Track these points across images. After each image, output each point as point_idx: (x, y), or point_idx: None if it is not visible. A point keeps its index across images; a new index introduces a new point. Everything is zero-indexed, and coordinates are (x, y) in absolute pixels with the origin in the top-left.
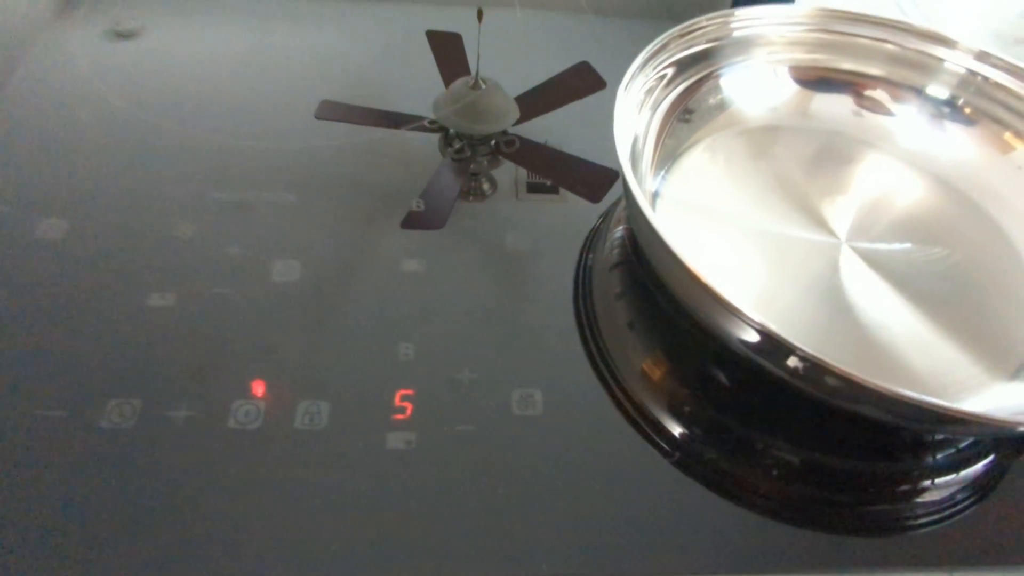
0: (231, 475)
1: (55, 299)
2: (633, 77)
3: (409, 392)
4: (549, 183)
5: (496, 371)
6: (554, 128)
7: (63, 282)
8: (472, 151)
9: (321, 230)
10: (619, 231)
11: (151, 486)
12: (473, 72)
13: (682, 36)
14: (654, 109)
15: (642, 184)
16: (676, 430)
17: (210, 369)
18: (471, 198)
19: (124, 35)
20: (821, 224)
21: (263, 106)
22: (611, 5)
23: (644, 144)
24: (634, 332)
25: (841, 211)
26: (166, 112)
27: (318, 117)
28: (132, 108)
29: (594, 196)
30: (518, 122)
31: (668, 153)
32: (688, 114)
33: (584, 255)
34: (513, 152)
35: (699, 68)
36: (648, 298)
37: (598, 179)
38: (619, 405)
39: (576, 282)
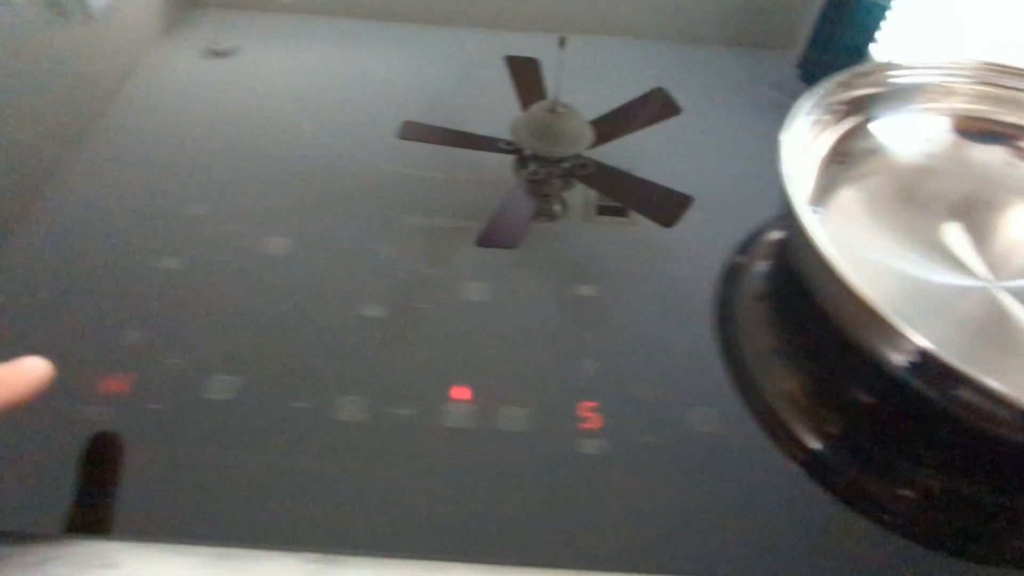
0: (448, 466)
1: (281, 307)
2: (795, 121)
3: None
4: (621, 206)
5: (646, 389)
6: (628, 152)
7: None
8: (546, 173)
9: (391, 245)
10: (763, 265)
11: (382, 471)
12: (551, 96)
13: (842, 83)
14: (808, 150)
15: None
16: (822, 450)
17: (422, 372)
18: (542, 219)
19: (220, 54)
20: (969, 267)
21: (347, 125)
22: (687, 32)
23: (799, 182)
24: (782, 358)
25: (990, 255)
26: (255, 127)
27: (401, 137)
28: (224, 122)
29: (667, 221)
30: (593, 146)
31: (821, 192)
32: (842, 156)
33: (725, 287)
34: (587, 175)
35: (857, 114)
36: (798, 327)
37: (672, 204)
38: (765, 426)
39: (717, 312)
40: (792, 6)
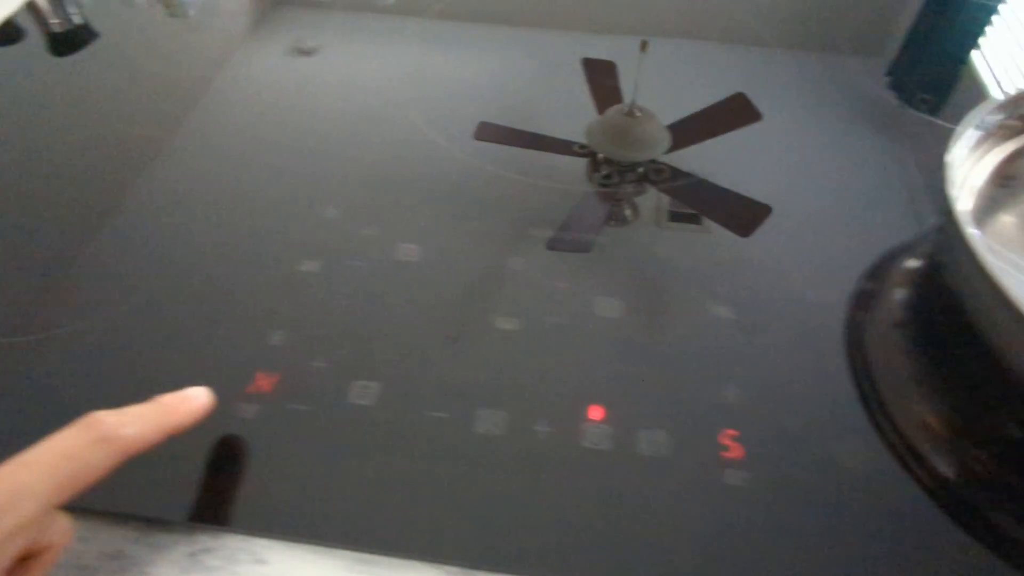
0: (586, 487)
1: (415, 315)
2: (961, 140)
3: (735, 432)
4: (694, 213)
5: (786, 417)
6: (704, 158)
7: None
8: (620, 177)
9: (470, 247)
10: (901, 292)
11: (519, 488)
12: (628, 100)
13: (1012, 103)
14: (971, 172)
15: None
16: (966, 488)
17: (558, 389)
18: (611, 223)
19: (305, 52)
20: None
21: (423, 124)
22: (770, 36)
23: (961, 204)
24: (923, 388)
25: None
26: (336, 123)
27: (476, 138)
28: (310, 119)
29: (745, 231)
30: (669, 151)
31: (977, 215)
32: (1008, 180)
33: (856, 313)
34: (662, 181)
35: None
36: (949, 356)
37: (749, 213)
38: (906, 460)
39: (847, 338)
40: (882, 9)
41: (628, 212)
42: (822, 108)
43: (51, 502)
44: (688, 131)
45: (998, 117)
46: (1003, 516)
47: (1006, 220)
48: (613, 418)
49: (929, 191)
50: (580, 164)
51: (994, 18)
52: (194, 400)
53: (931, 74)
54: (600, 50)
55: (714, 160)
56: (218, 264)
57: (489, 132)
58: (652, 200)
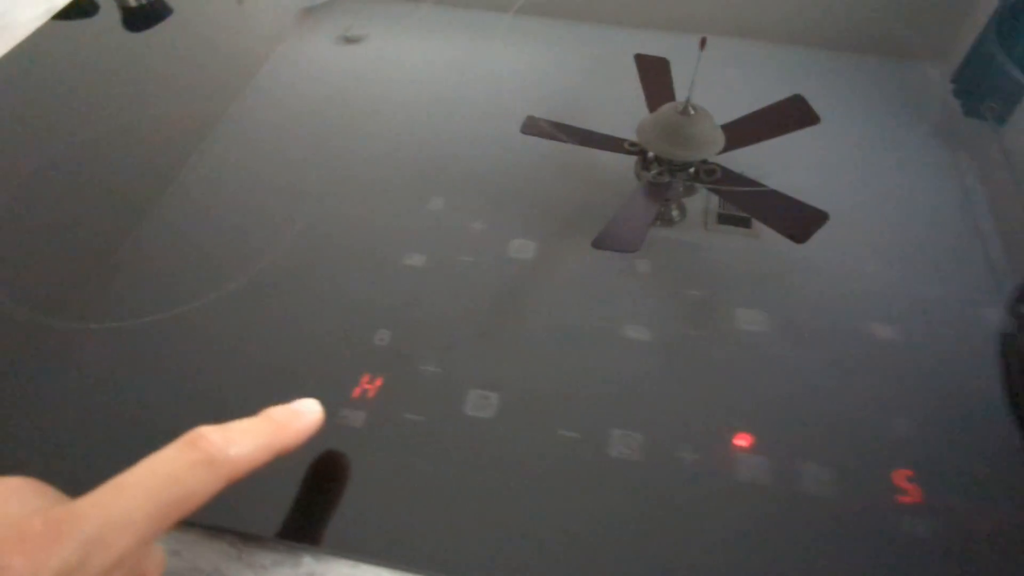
0: (739, 524)
1: (533, 319)
2: None
3: (909, 473)
4: (744, 216)
5: (963, 458)
6: (758, 160)
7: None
8: (670, 177)
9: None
10: None
11: (660, 524)
12: (684, 98)
13: None
14: None
15: None
16: None
17: (699, 411)
18: (658, 223)
19: (352, 40)
20: None
21: (469, 115)
22: (830, 38)
23: None
24: None
25: None
26: (382, 112)
27: (523, 132)
28: (350, 105)
29: (799, 237)
30: (722, 151)
31: None
32: None
33: (1016, 337)
34: (713, 181)
35: None
36: None
37: (806, 220)
38: None
39: (1008, 366)
40: (950, 14)
41: (676, 212)
42: (883, 113)
43: (150, 533)
44: (743, 132)
45: None
46: None
47: None
48: (764, 447)
49: (993, 205)
50: (629, 162)
51: None
52: (306, 415)
53: (1000, 84)
54: (652, 46)
55: (768, 163)
56: (353, 258)
57: (536, 126)
58: (701, 201)
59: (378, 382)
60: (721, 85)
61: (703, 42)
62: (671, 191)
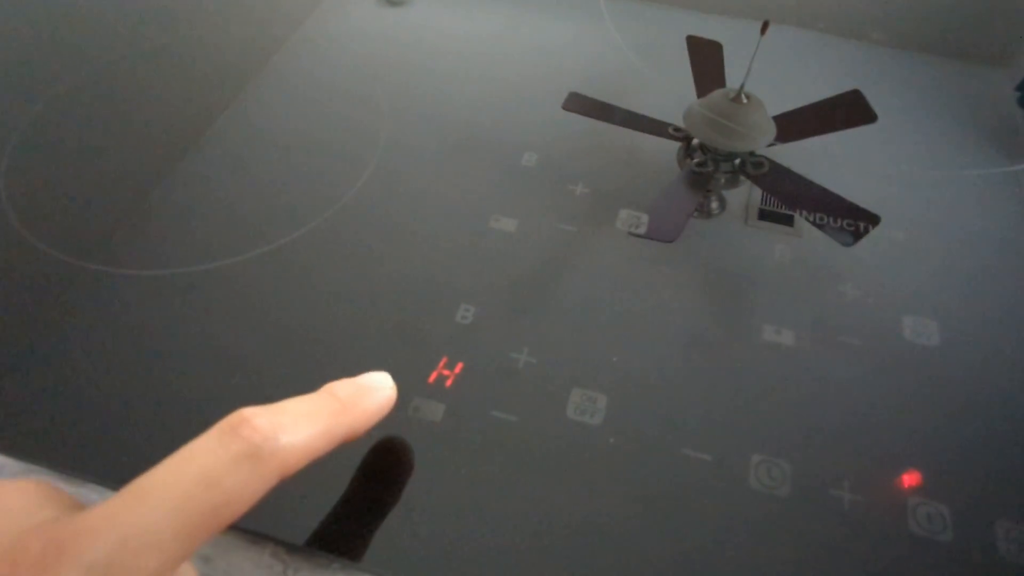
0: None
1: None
2: None
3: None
4: (787, 213)
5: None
6: (810, 156)
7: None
8: (714, 166)
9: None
10: None
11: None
12: (736, 84)
13: None
14: None
15: None
16: None
17: (860, 444)
18: (696, 214)
19: (395, 3)
20: None
21: (511, 88)
22: (893, 35)
23: None
24: None
25: None
26: (423, 78)
27: (565, 108)
28: (393, 70)
29: (847, 239)
30: (772, 143)
31: None
32: None
33: None
34: (760, 175)
35: None
36: None
37: (855, 221)
38: None
39: None
40: (1017, 17)
41: (715, 204)
42: (942, 117)
43: (179, 554)
44: (796, 125)
45: None
46: None
47: None
48: (942, 492)
49: None
50: (672, 148)
51: None
52: (377, 393)
53: None
54: (706, 29)
55: (819, 159)
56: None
57: (578, 103)
58: (743, 195)
59: (458, 367)
60: (776, 74)
61: (765, 26)
62: (713, 182)
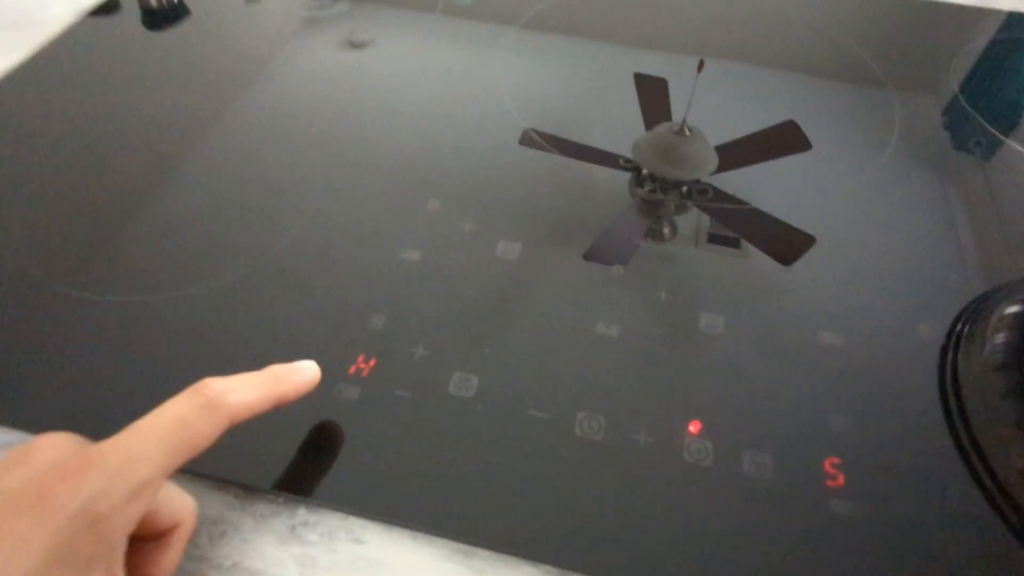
0: (686, 501)
1: (515, 313)
2: None
3: (837, 461)
4: (734, 237)
5: (885, 452)
6: (749, 183)
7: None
8: (663, 194)
9: (503, 248)
10: (1001, 337)
11: (615, 497)
12: (679, 118)
13: None
14: None
15: None
16: None
17: (658, 401)
18: (649, 240)
19: (357, 45)
20: None
21: (469, 125)
22: (825, 66)
23: None
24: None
25: None
26: (383, 116)
27: (521, 143)
28: (355, 108)
29: (787, 260)
30: (715, 172)
31: None
32: None
33: (949, 352)
34: (705, 201)
35: None
36: None
37: (793, 243)
38: (991, 499)
39: (942, 379)
40: (942, 48)
41: (667, 230)
42: (874, 142)
43: (165, 467)
44: (736, 154)
45: None
46: None
47: None
48: (712, 435)
49: (978, 236)
50: (623, 178)
51: None
52: (304, 372)
53: (988, 118)
54: (652, 66)
55: (759, 186)
56: (348, 252)
57: (534, 139)
58: (692, 220)
59: (372, 362)
60: (717, 107)
61: (700, 65)
62: (663, 208)
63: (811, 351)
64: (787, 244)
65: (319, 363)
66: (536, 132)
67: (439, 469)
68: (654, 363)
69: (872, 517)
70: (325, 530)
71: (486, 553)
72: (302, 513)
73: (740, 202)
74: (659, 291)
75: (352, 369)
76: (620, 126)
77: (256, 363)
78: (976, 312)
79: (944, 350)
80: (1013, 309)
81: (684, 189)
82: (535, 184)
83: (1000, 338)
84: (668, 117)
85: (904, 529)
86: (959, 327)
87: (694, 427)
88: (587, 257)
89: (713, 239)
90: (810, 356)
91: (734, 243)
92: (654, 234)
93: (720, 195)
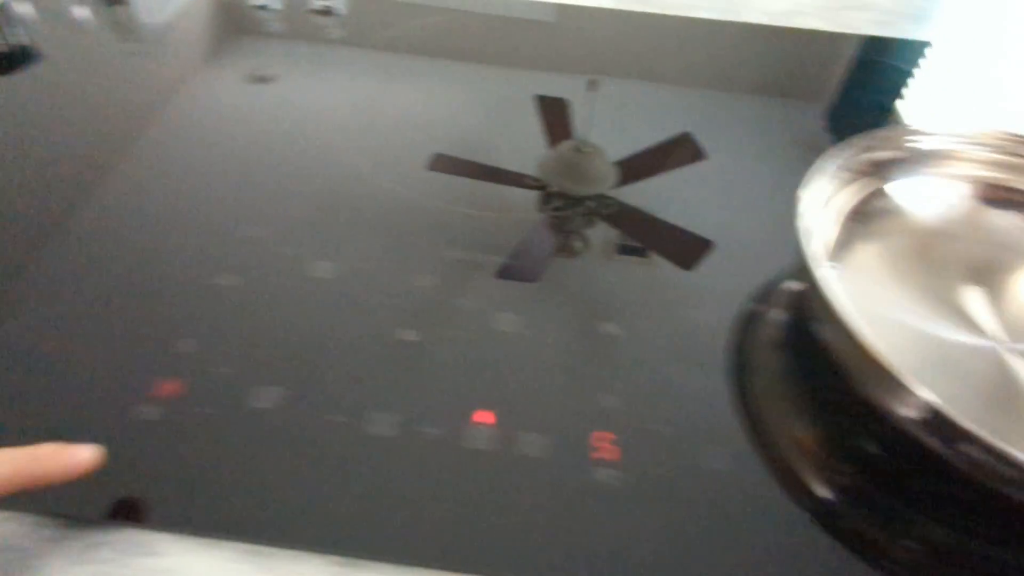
0: (467, 484)
1: (324, 328)
2: (815, 179)
3: (610, 435)
4: (641, 247)
5: (661, 424)
6: (651, 194)
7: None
8: (570, 210)
9: (420, 273)
10: (777, 313)
11: (406, 485)
12: (578, 136)
13: (862, 145)
14: (831, 208)
15: (815, 271)
16: (831, 498)
17: (448, 395)
18: (562, 255)
19: (261, 80)
20: (982, 328)
21: (377, 154)
22: (716, 80)
23: (818, 237)
24: (793, 405)
25: (1002, 318)
26: (291, 150)
27: (430, 169)
28: (262, 146)
29: (686, 264)
30: (617, 186)
31: (839, 248)
32: (861, 215)
33: (742, 334)
34: (609, 214)
35: (875, 175)
36: (812, 376)
37: (692, 248)
38: (775, 471)
39: (734, 357)
40: (822, 60)
41: (579, 244)
42: (764, 149)
43: None
44: (635, 168)
45: (853, 159)
46: (865, 524)
47: (863, 252)
48: (497, 422)
49: None
50: (532, 196)
51: (914, 80)
52: (77, 455)
53: (862, 123)
54: (554, 87)
55: (660, 196)
56: (156, 277)
57: (443, 163)
58: (602, 233)
59: (179, 383)
60: (616, 124)
61: (592, 83)
62: (571, 224)
63: (589, 339)
64: (686, 250)
65: (119, 387)
66: (445, 156)
67: (234, 477)
68: (457, 361)
69: (641, 483)
70: (121, 547)
71: (274, 551)
72: (96, 533)
73: (642, 213)
74: (561, 302)
75: (156, 391)
76: (526, 147)
77: (58, 393)
78: (766, 292)
79: (737, 331)
80: (790, 287)
81: (589, 203)
82: (445, 208)
83: (778, 315)
84: (570, 136)
85: (675, 492)
86: (750, 307)
87: (480, 417)
88: (500, 275)
89: (623, 250)
90: (590, 345)
91: (641, 252)
92: (567, 249)
93: (623, 208)
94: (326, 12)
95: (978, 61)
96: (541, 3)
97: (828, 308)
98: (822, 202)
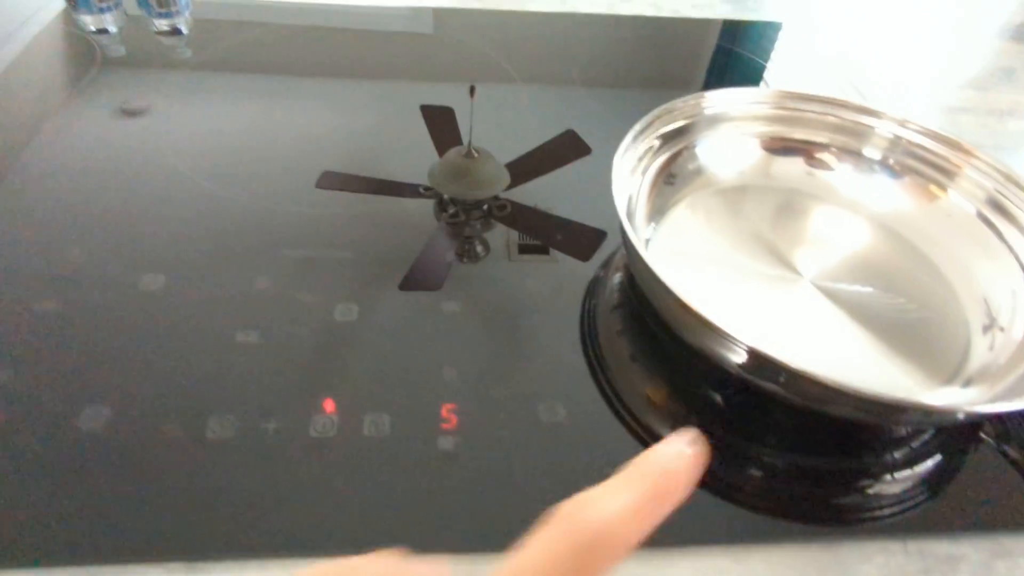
0: (313, 471)
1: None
2: (626, 148)
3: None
4: (540, 244)
5: (518, 395)
6: (543, 192)
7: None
8: (466, 215)
9: (324, 292)
10: (617, 277)
11: (249, 481)
12: (465, 142)
13: (665, 114)
14: (643, 173)
15: (637, 234)
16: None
17: (292, 389)
18: (465, 260)
19: (132, 113)
20: (786, 265)
21: (265, 177)
22: (595, 78)
23: (636, 202)
24: (636, 363)
25: (800, 253)
26: (169, 184)
27: (319, 187)
28: (133, 181)
29: (583, 255)
30: (509, 187)
31: (656, 210)
32: (672, 177)
33: (587, 300)
34: (505, 216)
35: (679, 140)
36: (646, 332)
37: (587, 239)
38: (626, 425)
39: (581, 323)
40: (689, 45)
41: (480, 248)
42: None
43: None
44: (525, 168)
45: (658, 126)
46: (710, 462)
47: (677, 211)
48: (339, 410)
49: None
50: (428, 205)
51: (775, 45)
52: (689, 459)
53: None
54: (438, 96)
55: (552, 193)
56: None
57: (332, 180)
58: (502, 235)
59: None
60: (502, 127)
61: (472, 90)
62: (469, 228)
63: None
64: (582, 242)
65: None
66: (334, 173)
67: (66, 501)
68: (294, 356)
69: (481, 444)
70: None
71: (112, 569)
72: None
73: (538, 211)
74: (463, 307)
75: None
76: (416, 156)
77: None
78: (609, 258)
79: (584, 299)
80: (622, 251)
81: (485, 207)
82: (342, 224)
83: (616, 279)
84: (459, 143)
85: (520, 447)
86: (597, 273)
87: (325, 406)
88: (403, 286)
89: (524, 249)
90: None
91: (543, 250)
92: (469, 254)
93: (517, 207)
94: (173, 32)
95: (825, 39)
96: (419, 15)
97: (645, 267)
98: (635, 168)
